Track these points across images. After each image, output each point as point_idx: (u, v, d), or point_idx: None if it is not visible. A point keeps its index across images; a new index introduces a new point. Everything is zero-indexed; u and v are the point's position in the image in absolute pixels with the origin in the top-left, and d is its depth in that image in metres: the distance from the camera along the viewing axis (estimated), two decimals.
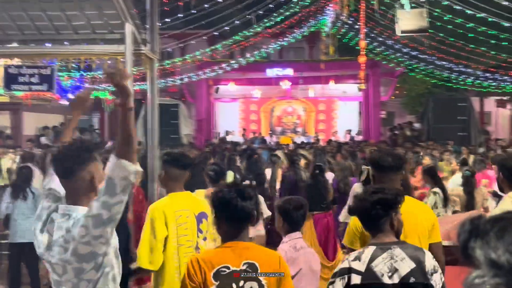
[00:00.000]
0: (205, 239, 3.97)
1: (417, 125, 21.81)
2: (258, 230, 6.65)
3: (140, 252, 3.71)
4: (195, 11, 16.20)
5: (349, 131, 23.80)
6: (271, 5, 17.37)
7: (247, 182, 5.39)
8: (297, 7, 18.56)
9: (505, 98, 24.65)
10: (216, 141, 21.23)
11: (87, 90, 3.52)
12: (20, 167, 7.89)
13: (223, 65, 21.66)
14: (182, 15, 16.50)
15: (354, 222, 3.30)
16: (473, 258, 0.92)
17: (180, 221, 3.84)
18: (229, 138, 22.64)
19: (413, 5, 12.36)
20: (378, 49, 20.87)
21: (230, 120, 25.87)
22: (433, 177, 6.88)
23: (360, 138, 22.54)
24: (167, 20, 15.86)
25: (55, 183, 2.71)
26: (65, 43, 7.26)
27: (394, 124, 24.84)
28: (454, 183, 8.38)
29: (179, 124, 21.50)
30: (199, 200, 4.15)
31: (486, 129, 22.55)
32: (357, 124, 25.38)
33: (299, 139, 22.26)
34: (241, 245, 2.72)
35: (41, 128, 20.64)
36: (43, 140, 19.12)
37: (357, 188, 6.49)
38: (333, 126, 25.68)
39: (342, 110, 25.87)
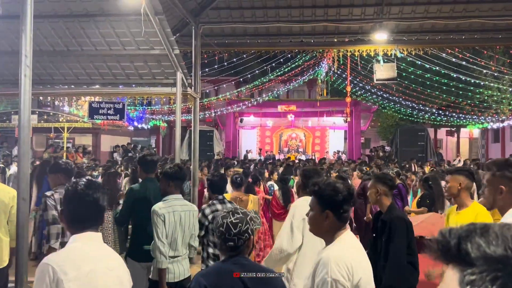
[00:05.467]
0: None
1: (388, 148, 21.58)
2: None
3: None
4: (225, 63, 16.31)
5: (337, 152, 23.60)
6: (281, 60, 17.44)
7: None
8: (300, 61, 18.66)
9: (453, 129, 24.44)
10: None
11: None
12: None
13: (246, 102, 21.74)
14: (216, 66, 16.62)
15: None
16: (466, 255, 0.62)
17: None
18: (249, 156, 22.55)
19: (385, 60, 12.35)
20: (359, 92, 20.82)
21: (250, 142, 25.83)
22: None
23: (344, 157, 22.29)
24: (206, 69, 16.01)
25: None
26: (133, 85, 7.33)
27: (370, 147, 24.60)
28: None
29: (213, 145, 21.55)
30: None
31: (439, 151, 22.25)
32: (342, 147, 25.20)
33: (301, 157, 22.10)
34: None
35: (114, 146, 20.79)
36: (115, 155, 19.24)
37: None
38: (326, 148, 25.54)
39: (332, 136, 25.72)
